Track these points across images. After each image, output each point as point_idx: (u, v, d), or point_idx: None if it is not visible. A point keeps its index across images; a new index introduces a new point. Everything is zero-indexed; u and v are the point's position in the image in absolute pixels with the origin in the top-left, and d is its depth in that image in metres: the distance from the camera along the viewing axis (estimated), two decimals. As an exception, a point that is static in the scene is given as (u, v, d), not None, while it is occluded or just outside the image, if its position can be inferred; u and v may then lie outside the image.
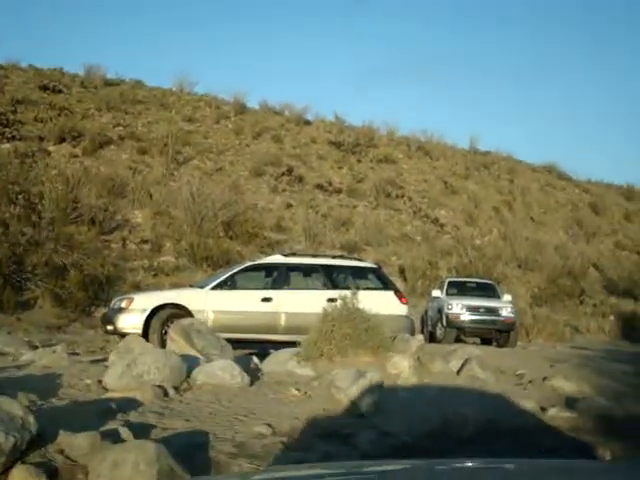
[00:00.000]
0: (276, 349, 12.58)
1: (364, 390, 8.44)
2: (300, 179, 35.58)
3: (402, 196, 37.51)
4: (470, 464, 3.11)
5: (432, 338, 19.45)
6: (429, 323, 20.10)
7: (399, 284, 29.06)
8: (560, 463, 3.41)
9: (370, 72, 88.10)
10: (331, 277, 13.91)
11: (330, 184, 36.27)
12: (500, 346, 18.63)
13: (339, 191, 36.14)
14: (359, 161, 38.95)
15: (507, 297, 19.42)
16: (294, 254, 15.45)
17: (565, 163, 64.13)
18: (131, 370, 8.47)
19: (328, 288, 13.46)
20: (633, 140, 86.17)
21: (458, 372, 11.41)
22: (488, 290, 20.17)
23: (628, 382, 12.28)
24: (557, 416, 9.30)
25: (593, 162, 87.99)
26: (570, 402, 10.23)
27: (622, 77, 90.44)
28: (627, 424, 9.53)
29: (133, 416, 7.31)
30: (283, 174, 35.51)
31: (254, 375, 9.93)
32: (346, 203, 35.64)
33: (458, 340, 19.21)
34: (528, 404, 9.80)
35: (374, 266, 14.90)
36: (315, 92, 79.59)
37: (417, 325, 21.31)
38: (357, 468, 3.17)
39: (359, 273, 14.48)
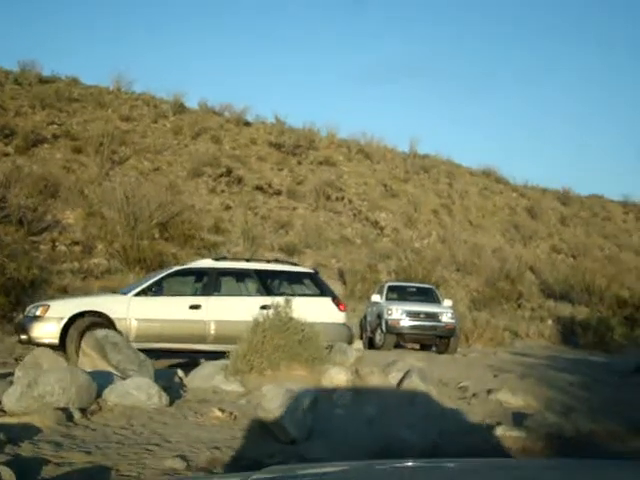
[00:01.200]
0: (208, 358, 11.55)
1: (295, 411, 7.40)
2: (239, 180, 34.50)
3: (342, 199, 36.68)
4: (470, 464, 3.12)
5: (371, 344, 18.54)
6: (368, 328, 19.16)
7: (338, 288, 28.28)
8: (560, 462, 3.35)
9: (310, 74, 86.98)
10: (265, 283, 12.83)
11: (270, 186, 35.25)
12: (440, 352, 17.82)
13: (279, 193, 35.13)
14: (299, 163, 37.98)
15: (447, 302, 18.60)
16: (225, 258, 14.36)
17: (503, 167, 64.03)
18: (32, 390, 7.30)
19: (262, 294, 12.36)
20: (568, 146, 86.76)
21: (399, 385, 10.46)
22: (428, 295, 19.33)
23: (575, 394, 11.49)
24: (505, 436, 8.39)
25: (530, 167, 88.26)
26: (518, 418, 9.37)
27: (557, 84, 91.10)
28: (578, 443, 8.73)
29: (26, 448, 6.15)
30: (222, 175, 34.39)
31: (176, 392, 8.82)
32: (286, 205, 34.66)
33: (397, 346, 18.34)
34: (474, 422, 8.91)
35: (311, 271, 13.83)
36: (256, 93, 78.04)
37: (356, 331, 20.51)
38: (357, 468, 3.16)
39: (295, 278, 13.43)
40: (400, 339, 18.02)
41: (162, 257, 23.24)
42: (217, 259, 13.54)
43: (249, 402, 8.63)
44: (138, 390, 7.92)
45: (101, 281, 21.33)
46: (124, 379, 8.39)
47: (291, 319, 9.88)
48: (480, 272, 32.12)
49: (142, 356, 9.19)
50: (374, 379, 10.56)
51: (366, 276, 28.44)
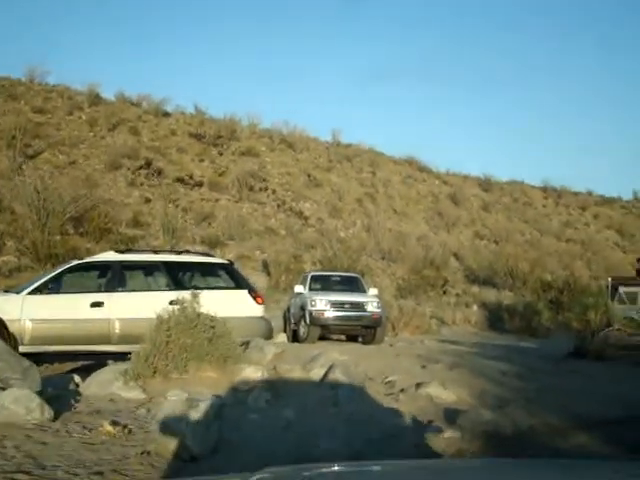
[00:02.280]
0: (117, 360, 10.28)
1: (198, 422, 6.24)
2: (159, 172, 33.03)
3: (265, 189, 35.54)
4: (470, 463, 3.39)
5: (295, 337, 17.45)
6: (292, 321, 18.03)
7: (262, 279, 27.17)
8: (561, 462, 3.36)
9: (232, 63, 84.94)
10: (175, 276, 11.59)
11: (191, 177, 33.87)
12: (366, 343, 16.84)
13: (200, 184, 33.79)
14: (221, 154, 36.65)
15: (373, 291, 17.61)
16: (130, 250, 13.06)
17: (425, 156, 63.71)
18: None
19: (171, 289, 11.08)
20: (488, 132, 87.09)
21: (321, 382, 9.39)
22: (353, 284, 18.30)
23: (509, 385, 10.59)
24: (438, 437, 7.40)
25: (451, 154, 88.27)
26: (450, 416, 8.40)
27: (476, 70, 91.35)
28: (516, 441, 7.79)
29: None
30: (141, 167, 32.87)
31: (66, 403, 7.57)
32: (208, 197, 33.35)
33: (323, 338, 17.30)
34: (403, 422, 7.89)
35: (225, 262, 12.59)
36: (175, 83, 75.71)
37: (280, 323, 19.37)
38: (357, 468, 3.13)
39: (208, 270, 12.21)
40: (325, 331, 16.97)
41: (76, 252, 21.68)
42: (121, 251, 12.24)
43: (149, 411, 7.45)
44: (16, 403, 6.67)
45: (10, 280, 19.73)
46: (4, 389, 7.12)
47: (199, 315, 8.70)
48: (405, 260, 31.39)
49: (27, 362, 7.87)
50: (294, 377, 9.48)
51: (290, 267, 27.37)
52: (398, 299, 24.24)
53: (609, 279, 22.09)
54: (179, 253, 12.80)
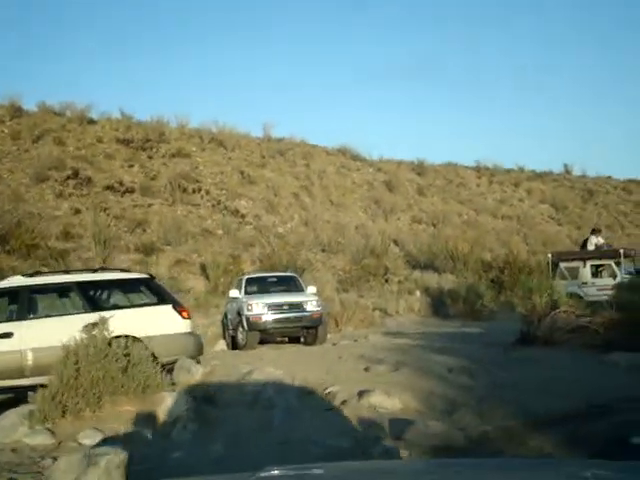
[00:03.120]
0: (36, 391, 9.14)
1: None
2: (88, 181, 31.50)
3: (199, 190, 34.24)
4: (469, 463, 3.21)
5: (234, 343, 16.44)
6: (230, 327, 16.99)
7: (201, 283, 26.07)
8: (561, 462, 3.42)
9: (158, 64, 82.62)
10: (91, 296, 10.45)
11: (121, 184, 32.38)
12: (309, 344, 15.93)
13: (132, 190, 32.32)
14: (150, 158, 35.20)
15: (311, 289, 16.65)
16: (39, 272, 11.85)
17: (358, 144, 63.14)
18: None
19: (87, 311, 9.93)
20: (419, 116, 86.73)
21: (254, 405, 8.41)
22: (290, 284, 17.30)
23: (457, 383, 9.75)
24: (385, 458, 6.51)
25: (384, 141, 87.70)
26: (397, 428, 7.54)
27: (408, 52, 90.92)
28: (469, 453, 6.97)
29: None
30: (69, 178, 31.28)
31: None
32: (140, 202, 31.91)
33: (264, 341, 16.32)
34: (345, 444, 6.98)
35: (145, 276, 11.43)
36: (99, 88, 73.14)
37: (219, 330, 18.35)
38: (357, 468, 3.14)
39: (127, 287, 11.08)
40: (264, 335, 15.97)
41: (1, 272, 20.31)
42: (29, 275, 11.02)
43: (56, 461, 6.39)
44: None
45: None
46: None
47: (110, 343, 7.64)
48: (345, 251, 30.54)
49: None
50: (224, 400, 8.49)
51: (229, 268, 26.24)
52: (340, 292, 23.37)
53: (549, 255, 21.55)
54: (94, 271, 11.63)
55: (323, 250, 31.31)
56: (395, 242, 33.83)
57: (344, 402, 8.57)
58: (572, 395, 8.97)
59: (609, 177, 48.97)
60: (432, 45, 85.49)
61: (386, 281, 27.13)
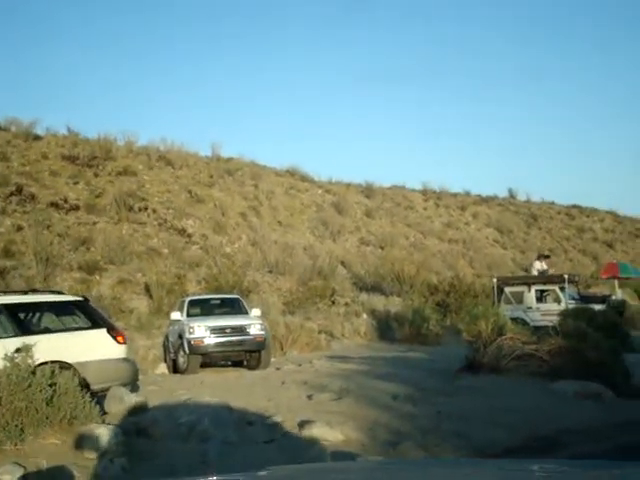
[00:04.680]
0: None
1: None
2: (32, 198, 30.55)
3: (145, 209, 33.46)
4: (470, 463, 3.30)
5: (175, 367, 15.85)
6: (171, 350, 16.38)
7: (144, 303, 25.36)
8: (561, 463, 3.36)
9: (103, 81, 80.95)
10: (21, 319, 9.85)
11: (66, 201, 31.46)
12: (252, 368, 15.41)
13: (76, 208, 31.43)
14: (96, 175, 34.33)
15: (256, 312, 16.16)
16: (-38, 296, 11.17)
17: (307, 165, 62.74)
18: None
19: (17, 335, 9.33)
20: (368, 139, 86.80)
21: (188, 435, 7.90)
22: (234, 306, 16.79)
23: (402, 412, 9.37)
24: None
25: (333, 163, 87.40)
26: (338, 464, 7.06)
27: (351, 70, 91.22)
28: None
29: None
30: (12, 194, 30.29)
31: None
32: (85, 220, 31.01)
33: (206, 365, 15.76)
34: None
35: (78, 299, 10.82)
36: (45, 104, 71.39)
37: (159, 353, 17.73)
38: (356, 467, 3.16)
39: (60, 309, 10.48)
40: (206, 359, 15.41)
41: None
42: (-49, 298, 10.33)
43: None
44: None
45: None
46: None
47: (34, 372, 7.08)
48: (293, 272, 30.08)
49: None
50: (157, 432, 7.96)
51: (174, 288, 25.59)
52: (286, 314, 22.88)
53: (494, 279, 21.43)
54: (25, 293, 11.02)
55: (270, 271, 30.82)
56: (343, 264, 33.53)
57: (285, 434, 8.12)
58: (518, 426, 8.67)
59: (552, 203, 49.51)
60: (378, 64, 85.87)
61: (333, 303, 26.75)
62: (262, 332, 15.28)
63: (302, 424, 8.32)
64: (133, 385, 10.21)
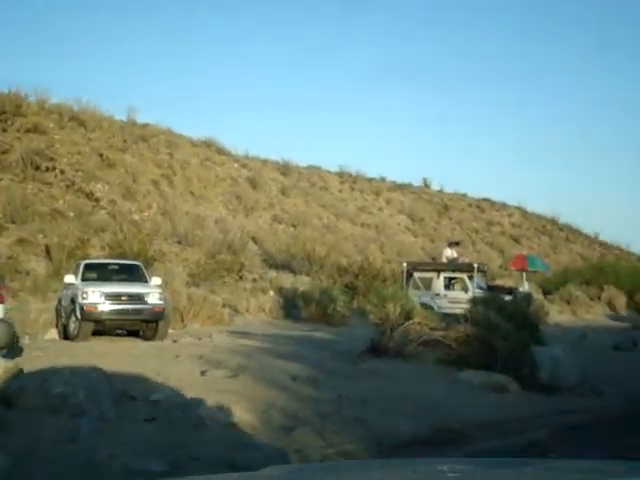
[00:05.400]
0: None
1: None
2: None
3: (54, 169, 31.72)
4: (469, 463, 3.22)
5: (66, 333, 14.74)
6: (63, 315, 15.22)
7: (43, 265, 23.94)
8: (561, 463, 3.31)
9: (19, 34, 77.12)
10: None
11: (-32, 155, 29.60)
12: (148, 339, 14.43)
13: (-21, 163, 29.60)
14: (4, 130, 32.33)
15: (156, 281, 15.15)
16: None
17: (224, 138, 61.27)
18: None
19: None
20: (289, 116, 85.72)
21: (62, 407, 6.97)
22: (133, 273, 15.73)
23: (301, 394, 8.66)
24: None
25: (250, 137, 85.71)
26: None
27: (275, 52, 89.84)
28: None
29: None
30: None
31: None
32: (-12, 177, 29.26)
33: (100, 332, 14.69)
34: (158, 467, 5.71)
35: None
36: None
37: (52, 318, 16.52)
38: (356, 467, 3.14)
39: None
40: (99, 326, 14.34)
41: None
42: None
43: None
44: None
45: None
46: None
47: None
48: (202, 244, 29.05)
49: None
50: (27, 402, 7.01)
51: (76, 252, 24.23)
52: (190, 286, 21.89)
53: (404, 264, 20.99)
54: None
55: (179, 242, 29.71)
56: (254, 240, 32.70)
57: (168, 412, 7.28)
58: (421, 416, 8.07)
59: (464, 194, 49.78)
60: (302, 45, 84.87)
61: (240, 278, 25.90)
62: (161, 302, 14.30)
63: (190, 402, 7.51)
64: (10, 348, 9.18)
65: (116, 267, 16.27)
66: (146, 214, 32.11)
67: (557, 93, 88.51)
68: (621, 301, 29.72)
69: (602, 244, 49.54)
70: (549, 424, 8.34)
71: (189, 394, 8.01)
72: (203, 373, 9.62)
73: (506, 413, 8.57)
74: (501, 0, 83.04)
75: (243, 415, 7.39)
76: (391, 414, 7.94)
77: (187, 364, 10.40)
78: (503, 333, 10.16)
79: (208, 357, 10.98)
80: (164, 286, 16.06)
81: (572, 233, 49.83)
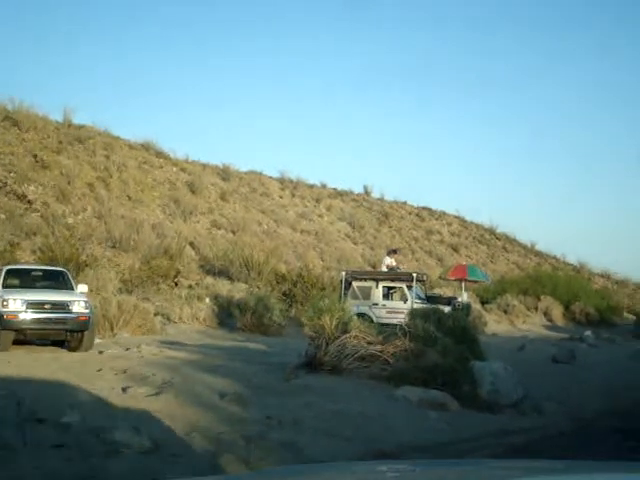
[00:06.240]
0: None
1: None
2: None
3: (-16, 169, 30.48)
4: (470, 463, 3.36)
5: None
6: (-18, 324, 14.22)
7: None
8: (561, 463, 3.33)
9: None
10: None
11: None
12: (73, 349, 13.57)
13: None
14: None
15: (82, 288, 14.30)
16: None
17: (163, 141, 59.84)
18: None
19: None
20: (228, 122, 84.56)
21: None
22: (59, 280, 14.82)
23: (228, 415, 8.02)
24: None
25: (190, 142, 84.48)
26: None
27: (217, 55, 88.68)
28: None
29: None
30: None
31: None
32: None
33: (23, 343, 13.78)
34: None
35: None
36: None
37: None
38: (356, 468, 3.07)
39: None
40: (21, 335, 13.43)
41: None
42: None
43: None
44: None
45: None
46: None
47: None
48: (138, 249, 28.11)
49: None
50: None
51: (4, 255, 23.12)
52: (123, 293, 20.99)
53: (343, 273, 20.48)
54: None
55: (114, 246, 28.72)
56: (192, 245, 31.86)
57: (79, 437, 6.57)
58: (356, 438, 7.51)
59: (405, 202, 49.68)
60: (244, 47, 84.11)
61: (176, 285, 25.09)
62: (86, 310, 13.47)
63: (104, 426, 6.80)
64: None
65: (40, 273, 15.34)
66: (80, 217, 31.02)
67: (494, 102, 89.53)
68: (557, 311, 29.79)
69: (538, 254, 49.92)
70: (490, 446, 7.86)
71: (106, 415, 7.30)
72: (124, 390, 8.90)
73: (445, 434, 8.06)
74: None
75: (162, 440, 6.73)
76: (324, 436, 7.36)
77: (109, 379, 9.65)
78: (442, 348, 9.68)
79: (133, 371, 10.25)
80: (94, 293, 15.21)
81: (509, 242, 50.11)
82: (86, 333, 13.53)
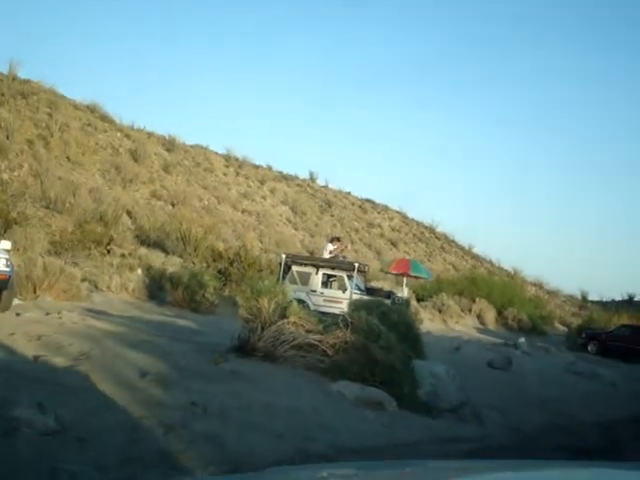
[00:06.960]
0: None
1: None
2: None
3: None
4: (470, 464, 3.16)
5: None
6: None
7: None
8: (560, 463, 3.27)
9: None
10: None
11: None
12: (-11, 310, 12.46)
13: None
14: None
15: (4, 244, 13.13)
16: None
17: (110, 105, 57.71)
18: None
19: None
20: (177, 92, 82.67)
21: None
22: (-22, 237, 13.67)
23: (145, 397, 7.15)
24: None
25: (138, 108, 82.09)
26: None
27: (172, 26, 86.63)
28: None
29: None
30: None
31: None
32: None
33: None
34: None
35: None
36: None
37: None
38: (357, 468, 3.01)
39: None
40: None
41: None
42: None
43: None
44: None
45: None
46: None
47: None
48: (72, 212, 26.78)
49: None
50: None
51: None
52: (52, 255, 19.77)
53: (283, 255, 19.67)
54: None
55: (47, 207, 27.31)
56: (129, 214, 30.62)
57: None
58: (286, 435, 6.74)
59: (349, 193, 49.12)
60: (201, 20, 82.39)
61: (108, 252, 23.88)
62: (6, 269, 12.34)
63: (4, 399, 5.88)
64: None
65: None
66: (16, 174, 29.54)
67: (441, 101, 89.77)
68: (491, 315, 29.57)
69: (474, 256, 49.97)
70: (430, 453, 7.18)
71: (9, 387, 6.38)
72: (36, 359, 7.95)
73: (383, 437, 7.36)
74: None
75: (69, 421, 5.84)
76: (252, 430, 6.57)
77: (20, 346, 8.66)
78: (385, 343, 8.98)
79: (48, 339, 9.27)
80: (20, 252, 14.06)
81: (447, 243, 50.04)
82: (4, 292, 12.40)
